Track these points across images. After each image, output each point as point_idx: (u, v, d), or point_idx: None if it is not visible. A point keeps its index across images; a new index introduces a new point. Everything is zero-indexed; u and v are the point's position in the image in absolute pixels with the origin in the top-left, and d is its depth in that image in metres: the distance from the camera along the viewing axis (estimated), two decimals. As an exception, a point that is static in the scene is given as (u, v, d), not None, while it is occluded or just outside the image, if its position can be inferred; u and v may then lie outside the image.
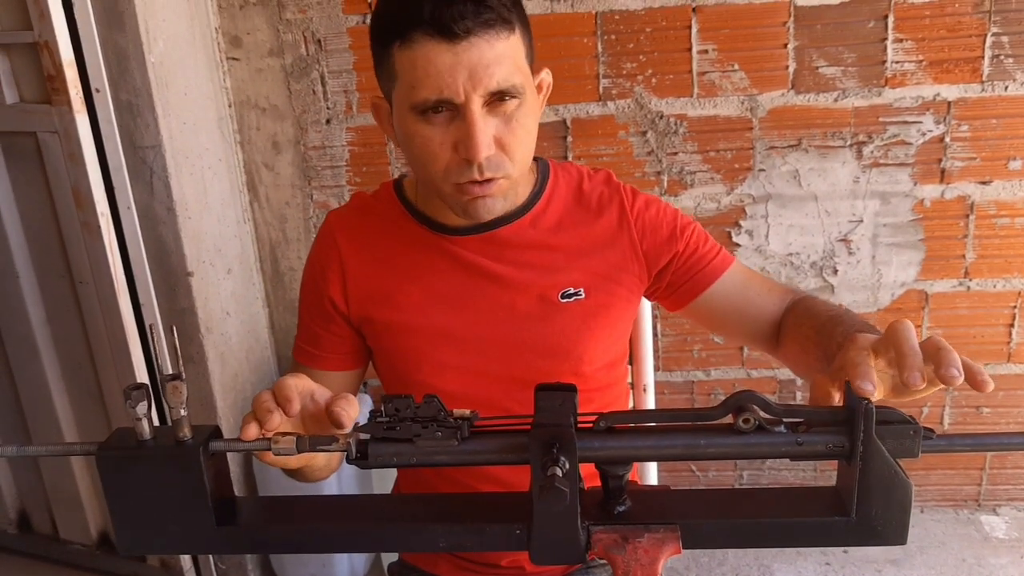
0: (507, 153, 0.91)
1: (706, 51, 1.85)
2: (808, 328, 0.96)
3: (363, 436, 0.65)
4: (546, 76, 0.99)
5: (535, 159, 1.07)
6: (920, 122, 1.87)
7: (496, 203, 0.94)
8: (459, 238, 1.03)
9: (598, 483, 0.67)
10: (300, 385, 0.71)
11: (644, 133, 1.93)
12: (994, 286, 1.99)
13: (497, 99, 0.88)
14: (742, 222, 1.98)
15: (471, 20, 0.84)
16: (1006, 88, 1.83)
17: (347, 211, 1.11)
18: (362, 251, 1.06)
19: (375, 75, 0.96)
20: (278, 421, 0.67)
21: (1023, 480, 2.18)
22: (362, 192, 1.13)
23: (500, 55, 0.86)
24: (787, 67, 1.85)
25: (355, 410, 0.69)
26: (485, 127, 0.88)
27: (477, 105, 0.87)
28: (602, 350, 1.07)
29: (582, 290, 1.03)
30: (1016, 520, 2.17)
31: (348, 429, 0.67)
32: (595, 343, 1.05)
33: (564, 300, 1.03)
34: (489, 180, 0.91)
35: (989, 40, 1.80)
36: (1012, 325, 2.01)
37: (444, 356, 1.04)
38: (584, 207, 1.06)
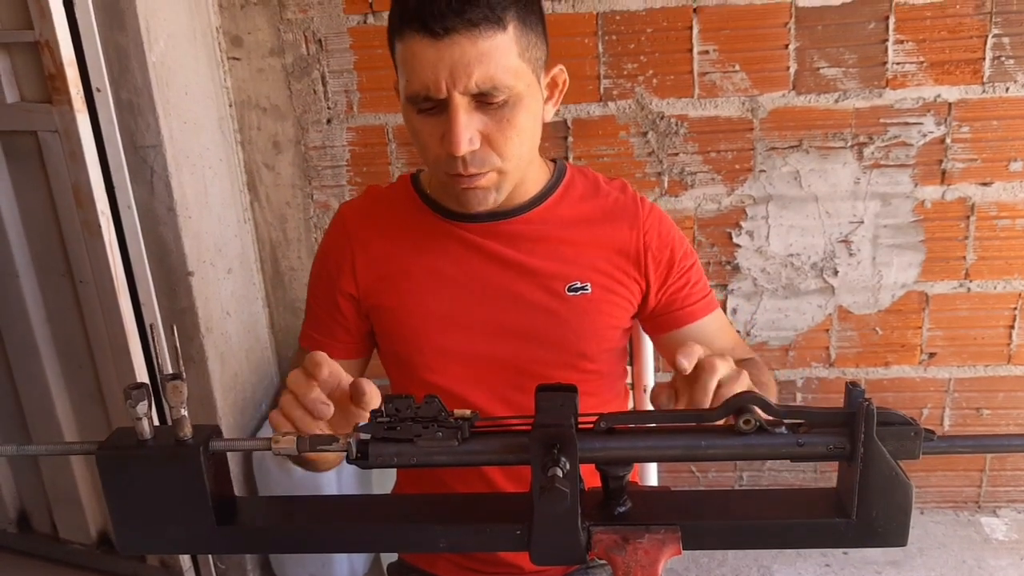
0: (495, 149, 0.92)
1: (707, 52, 1.85)
2: None
3: (363, 436, 0.64)
4: (559, 74, 1.00)
5: (552, 160, 1.10)
6: (921, 123, 1.87)
7: (488, 195, 0.96)
8: (469, 224, 1.04)
9: (598, 484, 0.67)
10: (335, 370, 0.73)
11: (645, 134, 1.93)
12: (995, 287, 1.98)
13: (483, 96, 0.89)
14: (743, 223, 1.98)
15: (453, 18, 0.85)
16: (1007, 89, 1.83)
17: (360, 201, 1.13)
18: (373, 238, 1.07)
19: None
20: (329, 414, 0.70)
21: (1023, 482, 2.18)
22: (376, 185, 1.15)
23: (483, 54, 0.86)
24: (788, 68, 1.85)
25: (377, 395, 0.71)
26: (468, 123, 0.89)
27: (461, 101, 0.88)
28: (605, 344, 1.08)
29: (589, 285, 1.05)
30: (1016, 522, 2.17)
31: (375, 404, 0.69)
32: (599, 338, 1.07)
33: (571, 293, 1.04)
34: (473, 175, 0.92)
35: (990, 41, 1.80)
36: (1012, 327, 2.00)
37: (447, 340, 1.05)
38: (597, 210, 1.08)
